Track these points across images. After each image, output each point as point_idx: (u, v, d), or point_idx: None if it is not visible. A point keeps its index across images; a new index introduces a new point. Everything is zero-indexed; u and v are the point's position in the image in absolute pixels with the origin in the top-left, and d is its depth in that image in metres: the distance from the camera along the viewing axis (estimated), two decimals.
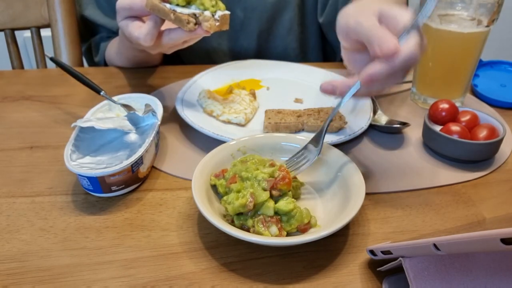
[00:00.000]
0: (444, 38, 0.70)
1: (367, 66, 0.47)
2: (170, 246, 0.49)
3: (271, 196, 0.49)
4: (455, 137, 0.61)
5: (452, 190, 0.59)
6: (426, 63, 0.74)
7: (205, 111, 0.71)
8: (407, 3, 0.80)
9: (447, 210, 0.55)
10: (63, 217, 0.53)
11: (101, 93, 0.68)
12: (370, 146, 0.67)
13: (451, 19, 0.69)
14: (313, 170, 0.56)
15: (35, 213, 0.53)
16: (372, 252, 0.45)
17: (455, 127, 0.62)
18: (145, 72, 0.87)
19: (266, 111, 0.70)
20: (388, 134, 0.69)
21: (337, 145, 0.57)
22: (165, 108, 0.68)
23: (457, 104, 0.67)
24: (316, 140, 0.55)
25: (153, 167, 0.61)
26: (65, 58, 0.96)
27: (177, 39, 0.62)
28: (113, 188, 0.55)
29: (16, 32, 1.00)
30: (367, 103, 0.71)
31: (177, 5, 0.60)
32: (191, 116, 0.68)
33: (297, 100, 0.76)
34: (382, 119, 0.70)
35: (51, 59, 0.73)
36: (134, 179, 0.56)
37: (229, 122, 0.69)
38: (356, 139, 0.67)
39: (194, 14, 0.59)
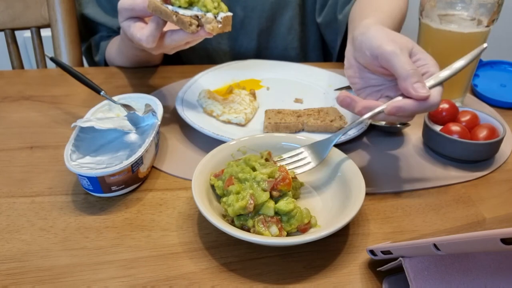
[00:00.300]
0: (444, 38, 0.70)
1: (397, 99, 0.53)
2: (170, 246, 0.49)
3: (271, 197, 0.49)
4: (455, 137, 0.61)
5: (452, 190, 0.59)
6: None
7: (205, 111, 0.71)
8: (407, 3, 0.80)
9: (447, 210, 0.55)
10: (63, 217, 0.53)
11: (101, 93, 0.68)
12: (370, 146, 0.67)
13: (451, 19, 0.69)
14: (313, 170, 0.56)
15: (35, 213, 0.53)
16: (372, 252, 0.45)
17: (455, 127, 0.62)
18: (145, 72, 0.87)
19: (266, 111, 0.70)
20: (388, 134, 0.69)
21: (337, 145, 0.57)
22: (165, 108, 0.68)
23: (457, 104, 0.67)
24: (320, 148, 0.56)
25: (153, 167, 0.61)
26: (65, 58, 0.96)
27: (179, 41, 0.61)
28: (113, 188, 0.55)
29: (16, 32, 1.00)
30: None
31: (179, 6, 0.59)
32: (191, 116, 0.68)
33: (297, 100, 0.76)
34: None
35: (51, 59, 0.73)
36: (134, 179, 0.56)
37: (229, 122, 0.69)
38: (356, 139, 0.67)
39: (197, 16, 0.58)
